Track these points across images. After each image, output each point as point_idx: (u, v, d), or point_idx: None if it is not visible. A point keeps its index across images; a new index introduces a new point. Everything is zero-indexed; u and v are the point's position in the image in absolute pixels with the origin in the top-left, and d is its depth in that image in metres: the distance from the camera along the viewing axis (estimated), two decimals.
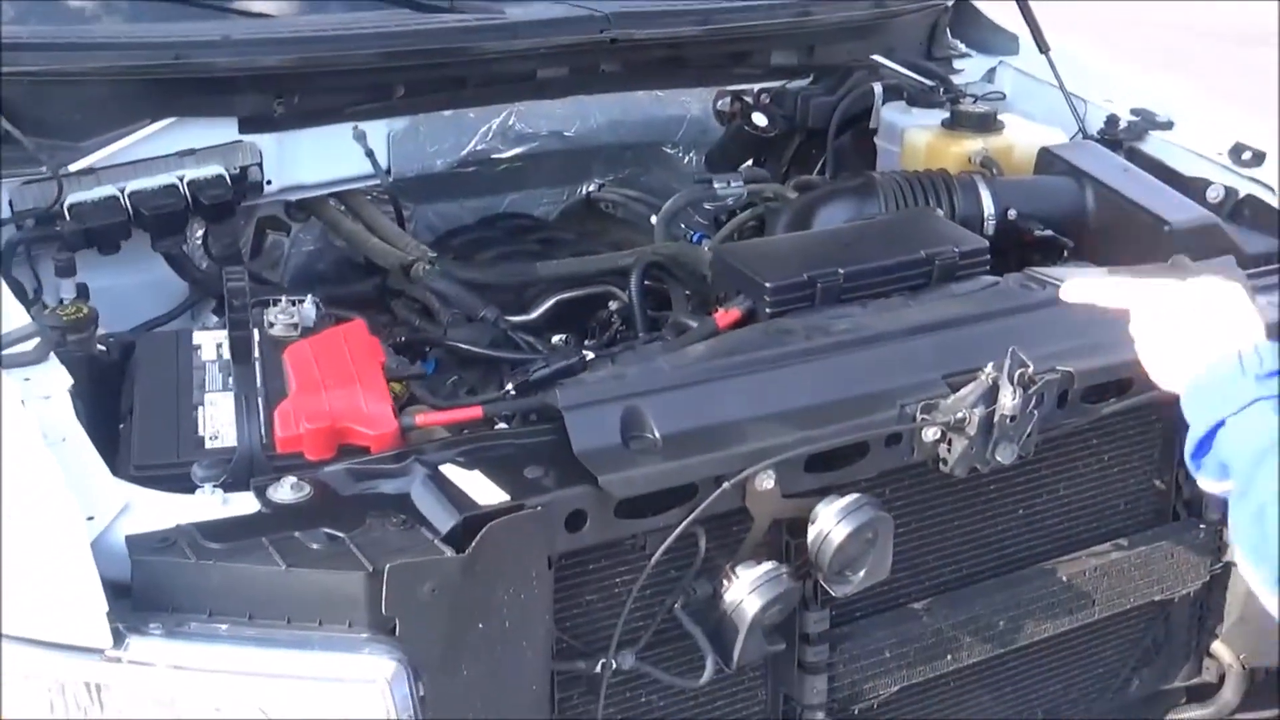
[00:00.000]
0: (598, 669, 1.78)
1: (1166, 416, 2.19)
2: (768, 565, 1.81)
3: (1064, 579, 2.11)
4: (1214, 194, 2.58)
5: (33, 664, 1.51)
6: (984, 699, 2.16)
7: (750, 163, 2.85)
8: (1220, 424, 1.49)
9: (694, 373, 1.83)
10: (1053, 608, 2.10)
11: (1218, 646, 2.32)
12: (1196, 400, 1.54)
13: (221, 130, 2.37)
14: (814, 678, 1.93)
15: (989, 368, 1.82)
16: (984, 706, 2.16)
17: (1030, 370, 1.81)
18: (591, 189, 2.96)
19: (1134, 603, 2.19)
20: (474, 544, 1.54)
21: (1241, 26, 8.01)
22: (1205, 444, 1.52)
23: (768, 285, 2.00)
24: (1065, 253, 2.39)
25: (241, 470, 1.69)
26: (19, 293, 2.03)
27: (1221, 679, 2.34)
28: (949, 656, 2.03)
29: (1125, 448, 2.18)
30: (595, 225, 2.84)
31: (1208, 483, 1.54)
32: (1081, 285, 1.77)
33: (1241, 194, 2.57)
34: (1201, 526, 2.21)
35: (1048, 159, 2.54)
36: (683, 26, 2.61)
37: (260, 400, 1.80)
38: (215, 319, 2.36)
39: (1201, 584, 2.25)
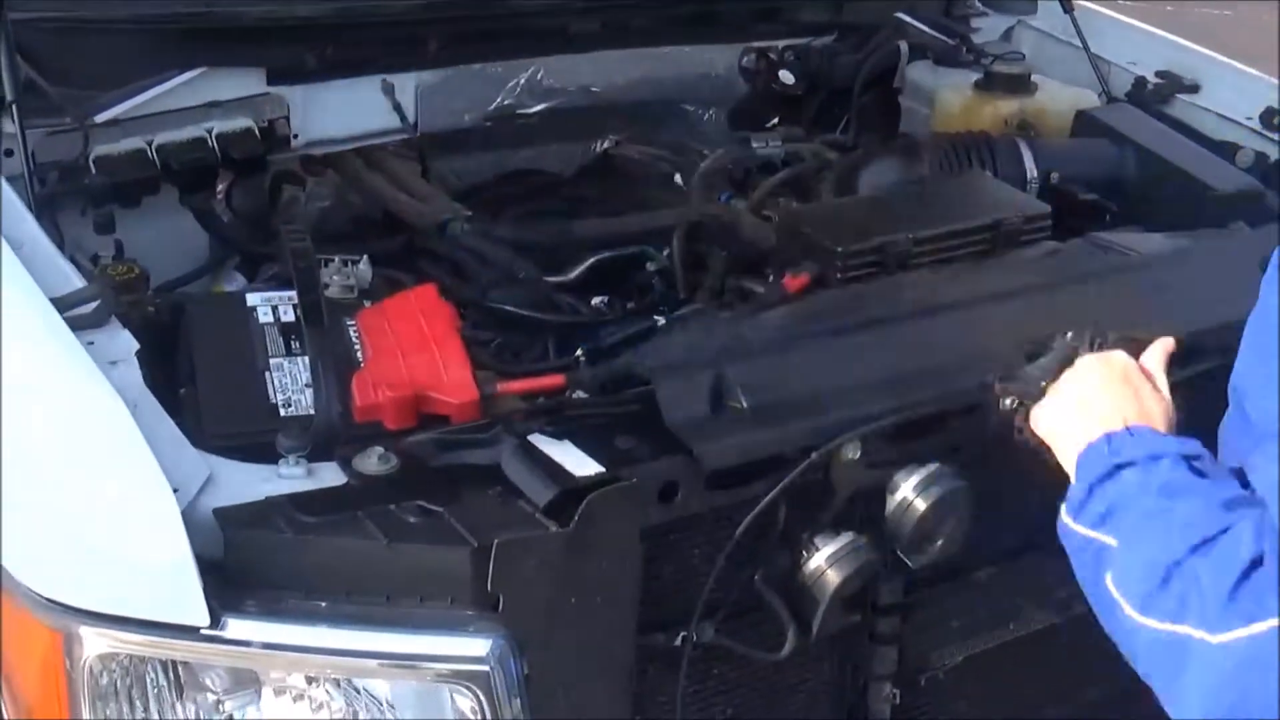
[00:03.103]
0: (678, 642, 1.74)
1: (1218, 382, 2.19)
2: (848, 536, 1.77)
3: None
4: (1244, 159, 2.57)
5: (115, 643, 1.46)
6: (1040, 666, 2.15)
7: (776, 120, 2.82)
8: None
9: (776, 340, 1.80)
10: None
11: None
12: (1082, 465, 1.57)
13: (248, 82, 2.29)
14: (885, 648, 1.91)
15: (1068, 335, 1.80)
16: (1040, 673, 2.15)
17: (1109, 338, 1.79)
18: (607, 145, 2.90)
19: None
20: (576, 517, 1.50)
21: None
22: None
23: (840, 250, 1.97)
24: (1109, 216, 2.38)
25: (321, 440, 1.63)
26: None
27: None
28: (1011, 625, 2.02)
29: (1184, 415, 2.17)
30: (615, 183, 2.79)
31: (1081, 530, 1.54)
32: None
33: (1272, 159, 2.57)
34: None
35: (1086, 121, 2.52)
36: None
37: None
38: (241, 276, 2.29)
39: None
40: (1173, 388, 2.03)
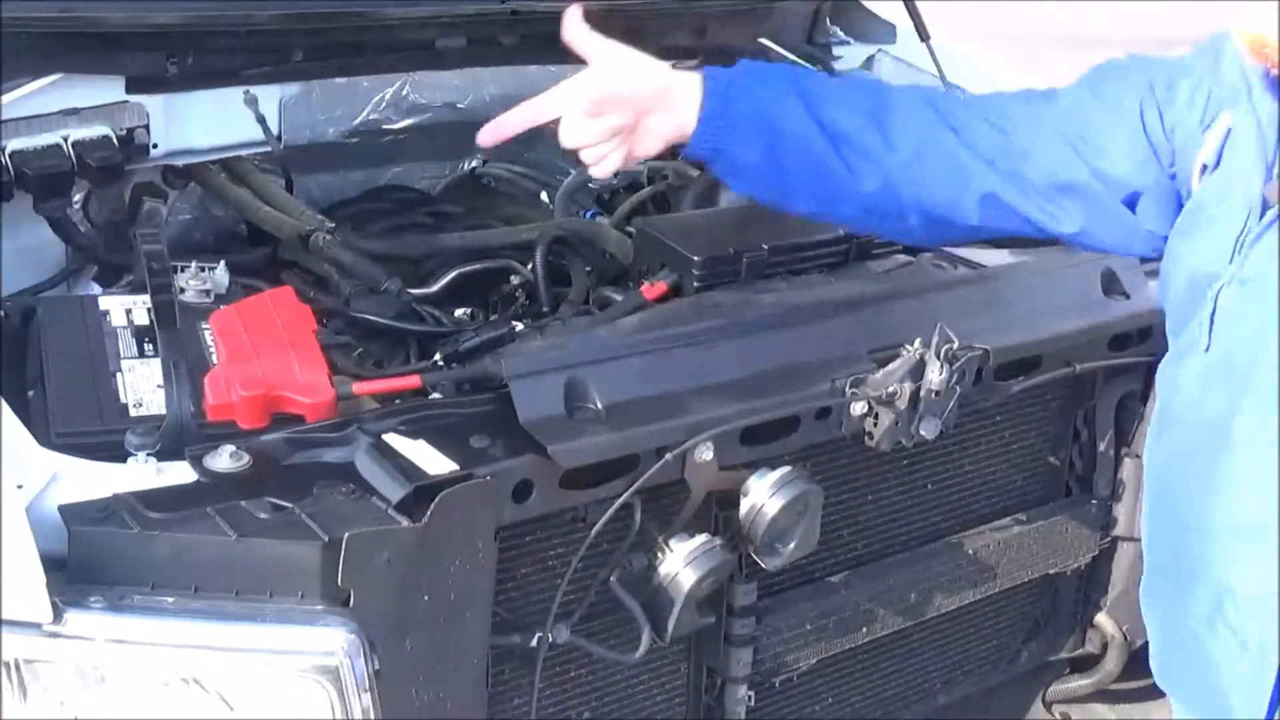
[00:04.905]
0: (533, 643, 1.75)
1: (1062, 394, 2.27)
2: (702, 538, 1.81)
3: (969, 553, 2.16)
4: None
5: None
6: (890, 670, 2.20)
7: None
8: None
9: (632, 344, 1.82)
10: (958, 581, 2.16)
11: (1101, 619, 2.40)
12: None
13: (107, 90, 2.25)
14: (739, 650, 1.94)
15: (916, 343, 1.85)
16: (889, 678, 2.20)
17: (955, 346, 1.85)
18: (475, 164, 2.92)
19: (1031, 576, 2.25)
20: (429, 513, 1.50)
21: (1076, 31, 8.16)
22: None
23: (696, 259, 2.00)
24: None
25: (172, 438, 1.61)
26: None
27: (1104, 650, 2.42)
28: (864, 629, 2.06)
29: (1023, 424, 2.25)
30: (481, 200, 2.80)
31: None
32: None
33: None
34: (1093, 502, 2.29)
35: None
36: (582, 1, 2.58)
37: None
38: (97, 286, 2.26)
39: (1090, 557, 2.33)
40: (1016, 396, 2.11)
